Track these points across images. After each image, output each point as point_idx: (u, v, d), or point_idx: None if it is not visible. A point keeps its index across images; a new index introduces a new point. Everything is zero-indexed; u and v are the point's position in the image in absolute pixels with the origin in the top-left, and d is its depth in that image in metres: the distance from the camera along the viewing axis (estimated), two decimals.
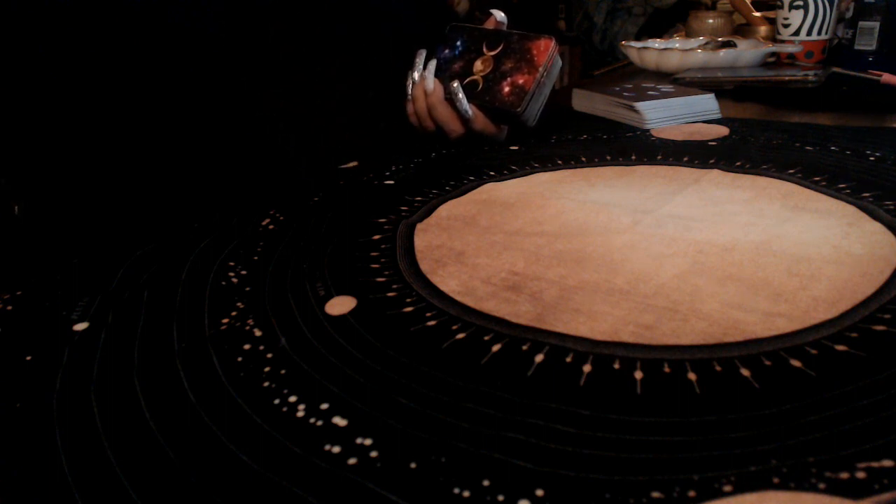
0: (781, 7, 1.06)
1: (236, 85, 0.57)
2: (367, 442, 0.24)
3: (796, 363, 0.27)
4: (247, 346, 0.31)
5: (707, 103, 0.72)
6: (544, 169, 0.55)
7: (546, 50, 0.58)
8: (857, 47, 0.98)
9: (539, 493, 0.21)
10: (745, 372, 0.27)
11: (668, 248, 0.39)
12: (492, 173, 0.55)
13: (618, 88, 0.77)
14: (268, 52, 0.60)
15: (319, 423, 0.26)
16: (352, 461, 0.23)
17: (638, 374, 0.27)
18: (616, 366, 0.28)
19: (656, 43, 1.21)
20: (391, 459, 0.23)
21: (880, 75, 0.84)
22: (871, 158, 0.53)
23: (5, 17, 0.48)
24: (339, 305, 0.35)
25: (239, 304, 0.36)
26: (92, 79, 0.51)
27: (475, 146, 0.63)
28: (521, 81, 0.59)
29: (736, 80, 0.92)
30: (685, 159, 0.56)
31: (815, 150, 0.57)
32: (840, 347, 0.28)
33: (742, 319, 0.30)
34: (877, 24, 0.95)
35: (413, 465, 0.23)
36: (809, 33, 1.04)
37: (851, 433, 0.23)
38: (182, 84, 0.55)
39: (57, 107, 0.49)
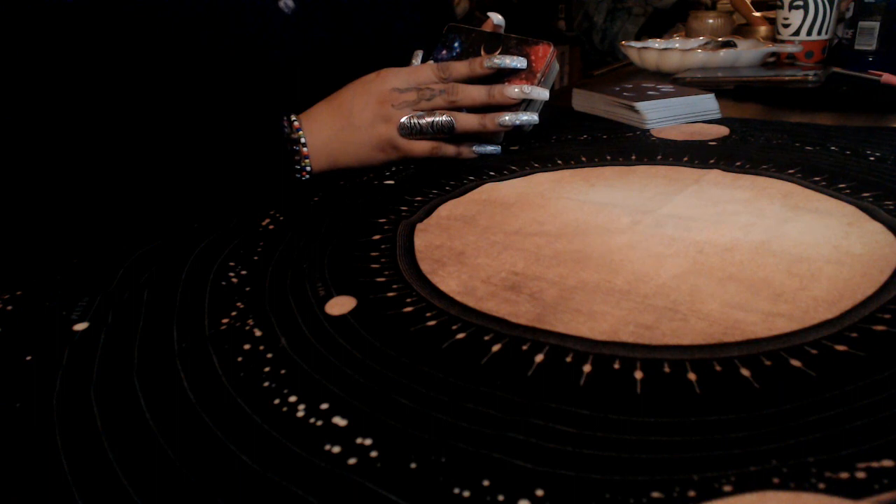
0: (781, 7, 1.06)
1: (237, 87, 0.57)
2: (367, 442, 0.24)
3: (796, 363, 0.27)
4: (247, 346, 0.31)
5: (707, 103, 0.72)
6: (544, 169, 0.55)
7: (544, 56, 0.58)
8: (857, 47, 0.98)
9: (539, 493, 0.21)
10: (745, 372, 0.27)
11: (668, 248, 0.39)
12: (492, 173, 0.55)
13: (618, 88, 0.77)
14: (267, 50, 0.60)
15: (319, 423, 0.26)
16: (352, 461, 0.23)
17: (638, 374, 0.27)
18: (616, 366, 0.28)
19: (656, 43, 1.21)
20: (391, 459, 0.23)
21: (880, 75, 0.84)
22: (871, 158, 0.53)
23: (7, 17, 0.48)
24: (339, 305, 0.35)
25: (239, 304, 0.36)
26: (88, 76, 0.51)
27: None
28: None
29: (736, 80, 0.92)
30: (685, 159, 0.56)
31: (815, 150, 0.57)
32: (840, 347, 0.28)
33: (742, 319, 0.30)
34: (877, 24, 0.95)
35: (413, 465, 0.23)
36: (809, 33, 1.04)
37: (851, 433, 0.23)
38: (181, 83, 0.55)
39: (47, 105, 0.49)
